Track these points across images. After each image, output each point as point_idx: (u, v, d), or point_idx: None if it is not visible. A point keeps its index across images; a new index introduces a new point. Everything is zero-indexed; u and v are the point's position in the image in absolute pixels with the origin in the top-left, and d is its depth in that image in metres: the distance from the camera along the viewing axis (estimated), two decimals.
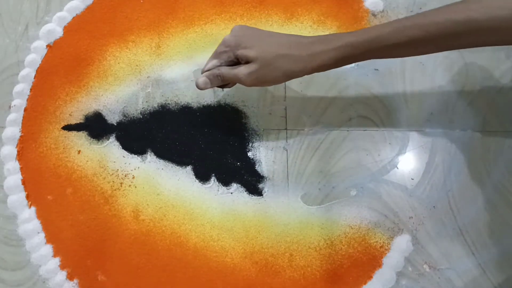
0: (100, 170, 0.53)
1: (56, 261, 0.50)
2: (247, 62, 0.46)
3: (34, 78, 0.57)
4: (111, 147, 0.54)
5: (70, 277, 0.49)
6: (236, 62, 0.47)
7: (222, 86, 0.50)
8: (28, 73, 0.57)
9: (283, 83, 0.56)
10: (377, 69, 0.57)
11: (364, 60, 0.47)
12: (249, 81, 0.46)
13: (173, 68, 0.57)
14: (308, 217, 0.51)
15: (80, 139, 0.55)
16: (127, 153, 0.54)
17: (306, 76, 0.56)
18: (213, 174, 0.53)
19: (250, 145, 0.54)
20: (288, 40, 0.46)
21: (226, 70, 0.47)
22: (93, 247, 0.50)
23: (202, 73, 0.49)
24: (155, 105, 0.56)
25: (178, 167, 0.53)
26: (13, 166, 0.53)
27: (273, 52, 0.45)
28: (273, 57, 0.45)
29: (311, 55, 0.45)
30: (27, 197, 0.52)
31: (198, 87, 0.49)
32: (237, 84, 0.56)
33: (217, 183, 0.52)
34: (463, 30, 0.42)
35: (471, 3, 0.42)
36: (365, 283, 0.48)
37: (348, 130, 0.54)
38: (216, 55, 0.48)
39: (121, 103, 0.56)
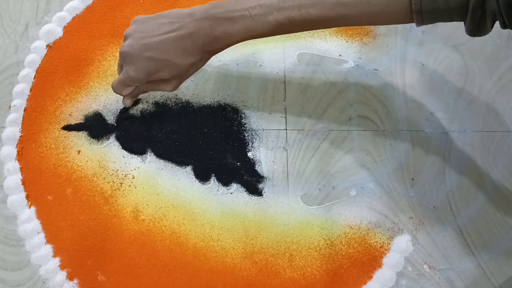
0: (100, 170, 0.53)
1: (56, 261, 0.50)
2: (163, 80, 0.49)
3: (34, 78, 0.57)
4: (111, 147, 0.54)
5: (70, 277, 0.49)
6: None
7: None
8: (28, 73, 0.57)
9: (282, 82, 0.56)
10: (377, 69, 0.57)
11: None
12: (175, 90, 0.50)
13: None
14: (308, 217, 0.51)
15: (80, 139, 0.55)
16: (127, 153, 0.54)
17: (306, 76, 0.57)
18: (213, 174, 0.53)
19: (250, 145, 0.54)
20: (182, 38, 0.46)
21: (149, 88, 0.51)
22: (93, 247, 0.50)
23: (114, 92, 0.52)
24: (155, 105, 0.56)
25: (178, 167, 0.53)
26: (13, 166, 0.53)
27: (182, 64, 0.47)
28: (185, 67, 0.47)
29: (210, 52, 0.48)
30: (27, 197, 0.52)
31: (126, 106, 0.54)
32: (237, 85, 0.56)
33: (217, 183, 0.52)
34: (336, 24, 0.46)
35: None
36: (365, 283, 0.48)
37: (348, 130, 0.54)
38: (126, 84, 0.50)
39: (121, 103, 0.56)
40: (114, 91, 0.51)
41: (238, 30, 0.45)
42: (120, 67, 0.50)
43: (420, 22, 0.42)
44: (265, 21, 0.44)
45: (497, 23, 0.40)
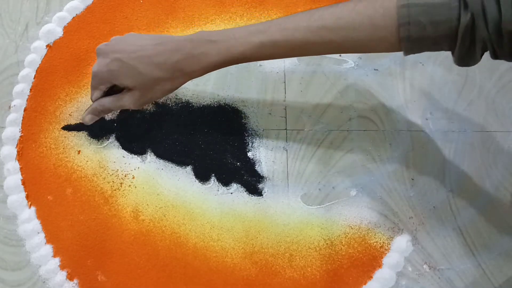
0: (100, 170, 0.53)
1: (56, 261, 0.50)
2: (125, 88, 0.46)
3: (34, 78, 0.57)
4: (111, 147, 0.54)
5: (70, 277, 0.49)
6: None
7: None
8: (28, 73, 0.57)
9: (282, 82, 0.56)
10: (377, 69, 0.57)
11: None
12: (137, 106, 0.46)
13: None
14: (308, 217, 0.51)
15: (80, 139, 0.55)
16: (127, 153, 0.54)
17: (306, 76, 0.56)
18: (213, 174, 0.53)
19: (250, 145, 0.54)
20: (158, 65, 0.44)
21: (109, 103, 0.47)
22: (93, 247, 0.50)
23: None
24: (155, 105, 0.56)
25: (178, 167, 0.53)
26: (13, 166, 0.53)
27: (148, 76, 0.44)
28: (152, 84, 0.45)
29: (184, 75, 0.44)
30: (27, 197, 0.52)
31: (86, 123, 0.48)
32: (237, 85, 0.56)
33: (217, 183, 0.52)
34: (321, 49, 0.43)
35: (328, 21, 0.41)
36: (365, 283, 0.48)
37: (348, 130, 0.54)
38: (94, 87, 0.47)
39: None
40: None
41: (219, 49, 0.43)
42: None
43: (409, 51, 0.40)
44: (248, 41, 0.43)
45: (487, 53, 0.39)
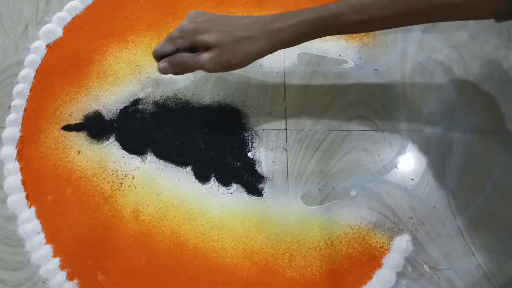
0: (100, 170, 0.53)
1: (56, 261, 0.50)
2: (206, 48, 0.46)
3: (34, 78, 0.57)
4: (111, 147, 0.54)
5: (70, 277, 0.49)
6: (192, 48, 0.47)
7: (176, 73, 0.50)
8: (28, 73, 0.57)
9: (282, 82, 0.56)
10: (377, 69, 0.57)
11: (325, 35, 0.47)
12: (212, 67, 0.46)
13: None
14: (308, 217, 0.51)
15: (80, 139, 0.55)
16: (127, 153, 0.54)
17: (306, 76, 0.57)
18: (213, 175, 0.53)
19: (250, 145, 0.54)
20: (246, 22, 0.46)
21: (187, 58, 0.47)
22: (93, 247, 0.50)
23: (155, 55, 0.49)
24: (155, 105, 0.56)
25: (178, 167, 0.53)
26: (13, 166, 0.53)
27: (232, 35, 0.45)
28: (233, 41, 0.45)
29: (270, 33, 0.45)
30: (27, 197, 0.52)
31: (159, 71, 0.48)
32: (237, 85, 0.56)
33: (217, 183, 0.52)
34: (423, 7, 0.42)
35: None
36: (365, 283, 0.48)
37: (348, 131, 0.54)
38: (170, 39, 0.48)
39: (121, 103, 0.56)
40: (156, 51, 0.48)
41: (313, 10, 0.45)
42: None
43: (504, 10, 0.39)
44: (344, 2, 0.44)
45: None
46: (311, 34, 0.46)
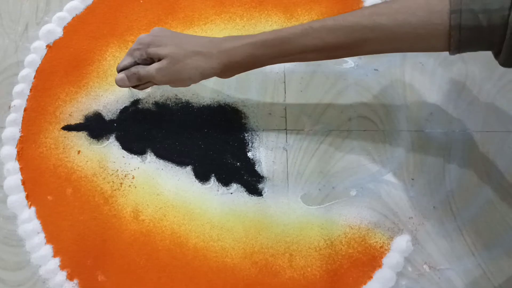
0: (100, 170, 0.53)
1: (56, 261, 0.50)
2: (159, 60, 0.46)
3: (34, 78, 0.57)
4: (111, 147, 0.54)
5: (70, 277, 0.49)
6: (150, 61, 0.48)
7: (136, 86, 0.51)
8: (28, 73, 0.57)
9: (282, 82, 0.56)
10: (377, 69, 0.57)
11: (279, 62, 0.46)
12: (160, 77, 0.47)
13: None
14: (308, 217, 0.51)
15: (80, 139, 0.54)
16: (127, 153, 0.54)
17: (306, 76, 0.56)
18: (213, 174, 0.53)
19: (250, 145, 0.54)
20: (201, 40, 0.48)
21: (141, 68, 0.48)
22: (93, 247, 0.50)
23: (117, 70, 0.50)
24: (155, 105, 0.56)
25: (178, 167, 0.53)
26: (13, 166, 0.53)
27: (183, 49, 0.46)
28: (183, 54, 0.46)
29: (221, 51, 0.45)
30: (27, 197, 0.52)
31: (116, 83, 0.50)
32: (237, 85, 0.56)
33: (217, 183, 0.52)
34: (372, 36, 0.41)
35: (380, 7, 0.41)
36: (365, 283, 0.48)
37: (348, 131, 0.54)
38: (129, 52, 0.49)
39: (121, 103, 0.56)
40: (118, 65, 0.50)
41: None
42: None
43: (456, 44, 0.39)
44: (301, 27, 0.44)
45: None
46: (265, 57, 0.45)
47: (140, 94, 0.56)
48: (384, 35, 0.41)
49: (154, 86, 0.53)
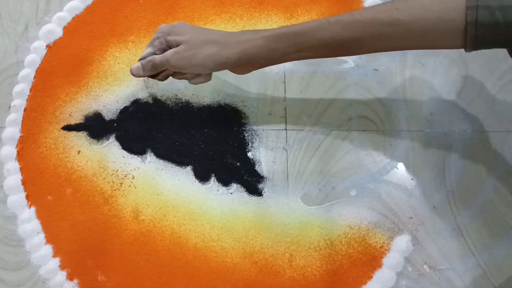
0: (100, 170, 0.53)
1: (56, 261, 0.50)
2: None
3: (34, 78, 0.57)
4: (111, 148, 0.54)
5: (70, 277, 0.49)
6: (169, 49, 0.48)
7: (153, 77, 0.51)
8: (28, 73, 0.57)
9: (282, 82, 0.56)
10: (377, 69, 0.57)
11: (293, 59, 0.46)
12: (174, 60, 0.47)
13: None
14: (308, 217, 0.51)
15: (80, 139, 0.55)
16: (127, 154, 0.54)
17: (306, 76, 0.56)
18: (213, 174, 0.53)
19: (250, 145, 0.54)
20: (219, 31, 0.48)
21: (156, 57, 0.48)
22: (93, 247, 0.50)
23: (139, 61, 0.50)
24: (155, 105, 0.56)
25: (178, 167, 0.53)
26: (13, 166, 0.53)
27: (201, 37, 0.47)
28: (201, 41, 0.46)
29: (239, 42, 0.46)
30: (27, 197, 0.52)
31: (131, 73, 0.50)
32: (237, 85, 0.56)
33: (217, 183, 0.52)
34: (389, 31, 0.41)
35: (397, 3, 0.41)
36: (365, 283, 0.48)
37: (348, 131, 0.54)
38: (150, 43, 0.50)
39: (121, 103, 0.56)
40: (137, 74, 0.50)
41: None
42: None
43: (473, 42, 0.38)
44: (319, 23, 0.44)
45: None
46: (280, 51, 0.45)
47: (154, 87, 0.56)
48: (401, 30, 0.41)
49: (167, 81, 0.52)
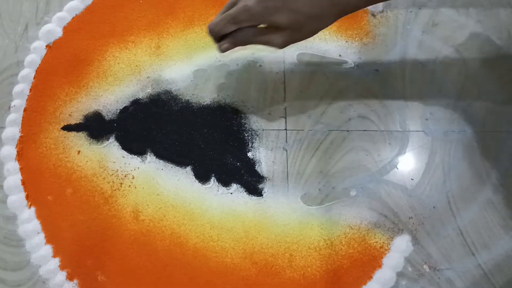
0: (100, 170, 0.53)
1: (56, 261, 0.50)
2: (277, 28, 0.44)
3: (34, 78, 0.57)
4: (111, 148, 0.54)
5: (70, 277, 0.49)
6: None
7: (226, 38, 0.46)
8: (27, 73, 0.57)
9: (282, 82, 0.56)
10: (377, 70, 0.57)
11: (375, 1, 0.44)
12: (284, 46, 0.45)
13: (172, 68, 0.57)
14: (308, 218, 0.51)
15: (80, 139, 0.55)
16: (127, 154, 0.54)
17: (306, 76, 0.56)
18: (213, 175, 0.53)
19: (250, 145, 0.54)
20: None
21: (254, 35, 0.45)
22: (93, 247, 0.50)
23: (214, 35, 0.46)
24: (155, 105, 0.56)
25: (178, 167, 0.53)
26: (13, 166, 0.53)
27: (303, 15, 0.43)
28: (304, 21, 0.43)
29: (340, 8, 0.43)
30: (27, 197, 0.52)
31: (208, 28, 0.46)
32: (237, 85, 0.56)
33: (217, 183, 0.52)
34: None
35: None
36: (365, 284, 0.48)
37: (348, 131, 0.54)
38: (234, 21, 0.44)
39: (120, 103, 0.56)
40: (214, 29, 0.45)
41: None
42: (229, 6, 0.45)
43: None
44: None
45: None
46: None
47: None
48: None
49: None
